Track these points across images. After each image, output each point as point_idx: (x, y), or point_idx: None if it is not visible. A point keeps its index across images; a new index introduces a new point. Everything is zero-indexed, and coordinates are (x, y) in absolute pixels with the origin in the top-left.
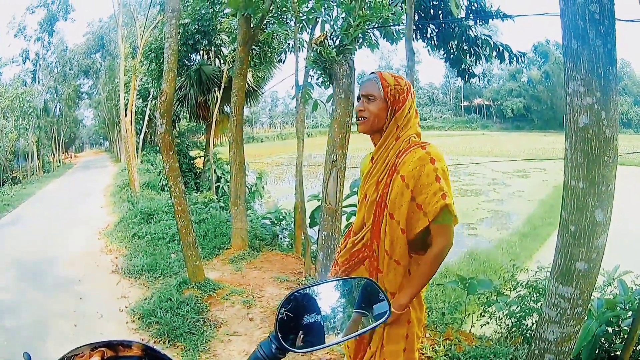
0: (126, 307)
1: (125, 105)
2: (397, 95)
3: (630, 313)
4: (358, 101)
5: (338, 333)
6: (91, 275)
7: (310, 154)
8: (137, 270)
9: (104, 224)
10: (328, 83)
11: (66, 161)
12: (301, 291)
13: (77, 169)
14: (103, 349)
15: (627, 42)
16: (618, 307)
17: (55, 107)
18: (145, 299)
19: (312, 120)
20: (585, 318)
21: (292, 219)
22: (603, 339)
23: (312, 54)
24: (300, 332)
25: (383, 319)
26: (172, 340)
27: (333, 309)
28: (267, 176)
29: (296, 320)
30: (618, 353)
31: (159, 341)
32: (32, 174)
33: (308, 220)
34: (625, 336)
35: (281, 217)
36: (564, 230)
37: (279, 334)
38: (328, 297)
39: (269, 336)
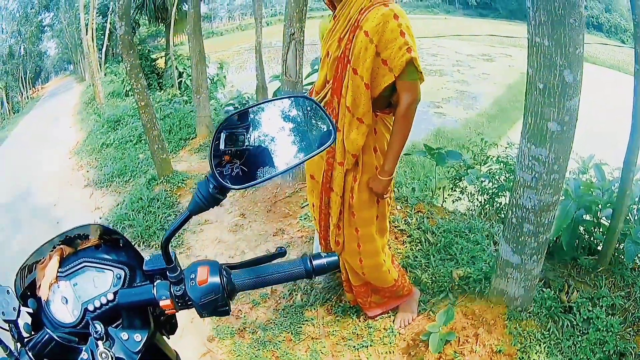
0: (100, 218)
1: (86, 25)
2: None
3: (609, 204)
4: None
5: (280, 164)
6: (65, 197)
7: (270, 42)
8: (108, 179)
9: (73, 142)
10: None
11: (34, 96)
12: (236, 115)
13: (45, 99)
14: (62, 246)
15: None
16: (594, 193)
17: (20, 48)
18: (118, 205)
19: (271, 10)
20: (563, 192)
21: (255, 102)
22: (582, 228)
23: None
24: (239, 166)
25: (329, 142)
26: (147, 240)
27: (272, 135)
28: (228, 66)
29: (234, 153)
30: (600, 247)
31: (134, 243)
32: (3, 119)
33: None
34: (605, 230)
35: (244, 101)
36: (531, 88)
37: (216, 170)
38: (268, 122)
39: (205, 176)
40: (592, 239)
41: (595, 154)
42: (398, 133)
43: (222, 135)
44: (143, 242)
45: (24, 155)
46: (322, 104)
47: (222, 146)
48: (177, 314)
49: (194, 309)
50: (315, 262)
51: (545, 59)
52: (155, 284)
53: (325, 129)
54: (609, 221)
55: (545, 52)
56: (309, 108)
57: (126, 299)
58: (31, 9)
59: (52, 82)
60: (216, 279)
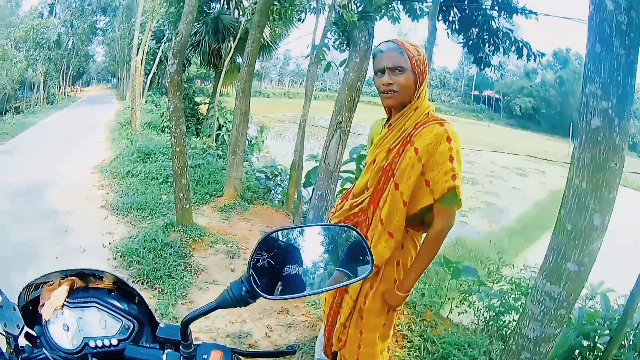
0: (110, 244)
1: (138, 44)
2: (422, 66)
3: (607, 331)
4: (379, 74)
5: (315, 285)
6: (80, 208)
7: (314, 116)
8: (126, 208)
9: (100, 158)
10: (344, 47)
11: (71, 94)
12: (281, 232)
13: (81, 102)
14: (73, 278)
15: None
16: (597, 322)
17: (68, 41)
18: (130, 237)
19: (321, 84)
20: (566, 322)
21: (287, 176)
22: (577, 351)
23: (333, 16)
24: (275, 278)
25: (365, 273)
26: (151, 282)
27: (312, 258)
28: (268, 131)
29: (272, 264)
30: None
31: (138, 281)
32: (36, 105)
33: (303, 180)
34: (600, 354)
35: (277, 172)
36: (560, 228)
37: (252, 277)
38: (309, 244)
39: (240, 278)
40: None
41: (608, 276)
42: (425, 254)
43: (265, 246)
44: (147, 282)
45: (47, 151)
46: (357, 209)
47: (262, 255)
48: None
49: None
50: None
51: (580, 201)
52: (165, 352)
53: (364, 261)
54: (605, 346)
55: (581, 194)
56: (353, 238)
57: (134, 354)
58: (88, 5)
59: (92, 88)
60: None
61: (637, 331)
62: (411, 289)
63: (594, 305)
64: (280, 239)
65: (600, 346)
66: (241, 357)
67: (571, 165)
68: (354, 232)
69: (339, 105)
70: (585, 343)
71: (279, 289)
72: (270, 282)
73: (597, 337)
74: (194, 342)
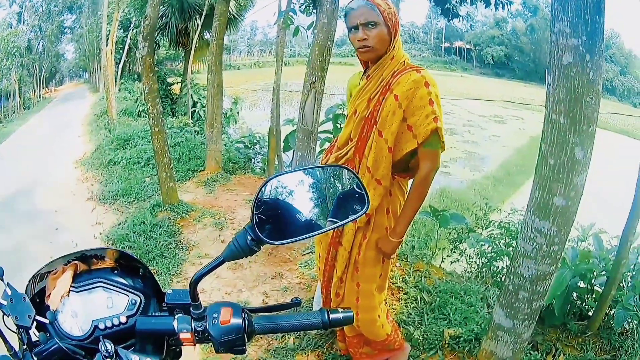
0: (100, 234)
1: (107, 36)
2: (393, 18)
3: (604, 272)
4: (353, 30)
5: (315, 226)
6: (67, 205)
7: (287, 82)
8: (112, 196)
9: (80, 152)
10: (311, 10)
11: (46, 96)
12: (279, 177)
13: (57, 102)
14: (76, 262)
15: (618, 14)
16: (591, 262)
17: (38, 45)
18: (119, 224)
19: (290, 50)
20: (560, 261)
21: (266, 144)
22: (575, 294)
23: None
24: (277, 224)
25: (361, 212)
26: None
27: (309, 200)
28: (242, 102)
29: (272, 211)
30: (590, 313)
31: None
32: (13, 112)
33: (282, 145)
34: (599, 296)
35: (255, 141)
36: (542, 163)
37: (255, 224)
38: (306, 187)
39: (244, 227)
40: (583, 304)
41: (598, 219)
42: (414, 198)
43: (265, 193)
44: None
45: (29, 155)
46: (342, 161)
47: (263, 202)
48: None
49: (211, 344)
50: (332, 316)
51: (559, 136)
52: (176, 317)
53: (359, 199)
54: (602, 288)
55: (560, 129)
56: (349, 179)
57: (145, 326)
58: (54, 7)
59: (65, 85)
60: (238, 321)
61: (634, 272)
62: (404, 235)
63: (587, 247)
64: (278, 185)
65: (598, 288)
66: (250, 313)
67: (547, 101)
68: (347, 171)
69: (311, 66)
70: (582, 284)
71: (281, 235)
72: (273, 229)
73: (593, 278)
74: (203, 305)
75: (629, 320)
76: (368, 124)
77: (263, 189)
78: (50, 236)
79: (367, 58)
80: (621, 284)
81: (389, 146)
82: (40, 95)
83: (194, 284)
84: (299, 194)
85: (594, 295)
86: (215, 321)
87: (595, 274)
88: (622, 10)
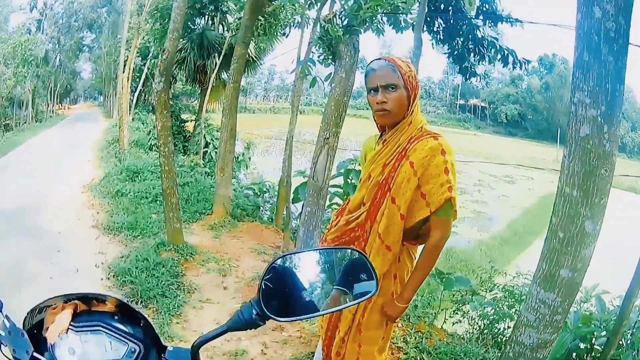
0: (102, 264)
1: (125, 61)
2: (414, 81)
3: (604, 333)
4: (372, 92)
5: (322, 305)
6: (71, 229)
7: (300, 131)
8: (117, 227)
9: (89, 177)
10: (330, 61)
11: (59, 112)
12: (289, 256)
13: (69, 120)
14: (76, 301)
15: (631, 69)
16: (593, 324)
17: (56, 58)
18: (122, 257)
19: (306, 98)
20: (562, 327)
21: (276, 193)
22: (575, 354)
23: (318, 30)
24: (283, 301)
25: (371, 293)
26: (145, 302)
27: (317, 280)
28: (255, 147)
29: (279, 286)
30: None
31: (132, 301)
32: (25, 122)
33: (291, 196)
34: (598, 355)
35: (265, 189)
36: (552, 236)
37: (261, 300)
38: (314, 267)
39: (250, 301)
40: None
41: (602, 277)
42: (423, 266)
43: (273, 269)
44: (141, 302)
45: (38, 170)
46: (353, 224)
47: (271, 279)
48: None
49: None
50: None
51: (571, 209)
52: None
53: (367, 277)
54: (602, 347)
55: (572, 202)
56: (357, 260)
57: None
58: (75, 21)
59: (80, 105)
60: None
61: (634, 330)
62: (410, 300)
63: (588, 308)
64: (288, 263)
65: (598, 347)
66: None
67: (561, 175)
68: (357, 253)
69: (326, 121)
70: (582, 345)
71: (287, 311)
72: (279, 305)
73: (594, 339)
74: None
75: None
76: (382, 189)
77: (272, 265)
78: (51, 257)
79: (384, 123)
80: (621, 342)
81: (402, 213)
82: (53, 110)
83: (197, 348)
84: (308, 272)
85: (593, 354)
86: None
87: (595, 335)
88: (634, 65)
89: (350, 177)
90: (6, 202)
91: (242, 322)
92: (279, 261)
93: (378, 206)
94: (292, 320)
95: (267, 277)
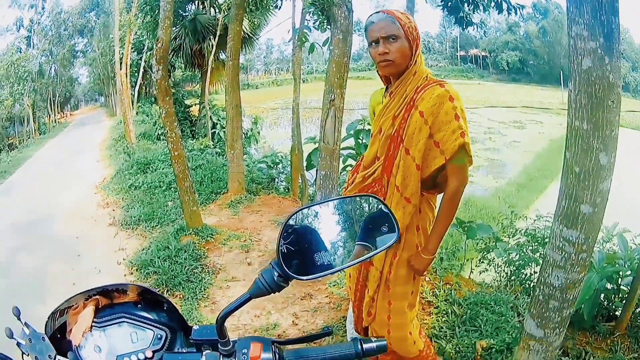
0: (124, 260)
1: (120, 59)
2: (414, 32)
3: (629, 272)
4: (373, 45)
5: (343, 259)
6: (88, 231)
7: (306, 99)
8: (134, 221)
9: (100, 178)
10: (325, 26)
11: (62, 120)
12: (303, 211)
13: (73, 126)
14: (97, 297)
15: (626, 9)
16: (617, 264)
17: (50, 69)
18: (143, 249)
19: (307, 67)
20: (589, 267)
21: (289, 162)
22: (602, 295)
23: None
24: (303, 258)
25: (392, 241)
26: (171, 290)
27: (337, 232)
28: (262, 121)
29: (298, 244)
30: (618, 313)
31: (159, 290)
32: (29, 138)
33: (304, 163)
34: (625, 295)
35: (277, 160)
36: (568, 171)
37: (281, 260)
38: (332, 219)
39: (270, 263)
40: (611, 305)
41: (620, 217)
42: (444, 214)
43: (290, 227)
44: (167, 291)
45: (48, 180)
46: (370, 180)
47: (288, 237)
48: None
49: None
50: (365, 346)
51: (583, 142)
52: (204, 353)
53: (389, 229)
54: (629, 287)
55: (584, 135)
56: (376, 207)
57: None
58: (64, 30)
59: (81, 110)
60: (269, 356)
61: None
62: (436, 251)
63: (611, 248)
64: (304, 218)
65: (624, 288)
66: (280, 347)
67: (569, 109)
68: (375, 200)
69: (329, 83)
70: (609, 286)
71: (309, 269)
72: (299, 263)
73: (619, 279)
74: (231, 339)
75: None
76: (394, 142)
77: (289, 223)
78: (72, 263)
79: (388, 72)
80: None
81: (417, 164)
82: (55, 120)
83: (221, 320)
84: (327, 225)
85: (620, 295)
86: (245, 357)
87: (621, 274)
88: (630, 5)
89: (361, 137)
90: (21, 217)
91: (264, 287)
92: (294, 218)
93: (392, 159)
94: (315, 278)
95: (284, 235)
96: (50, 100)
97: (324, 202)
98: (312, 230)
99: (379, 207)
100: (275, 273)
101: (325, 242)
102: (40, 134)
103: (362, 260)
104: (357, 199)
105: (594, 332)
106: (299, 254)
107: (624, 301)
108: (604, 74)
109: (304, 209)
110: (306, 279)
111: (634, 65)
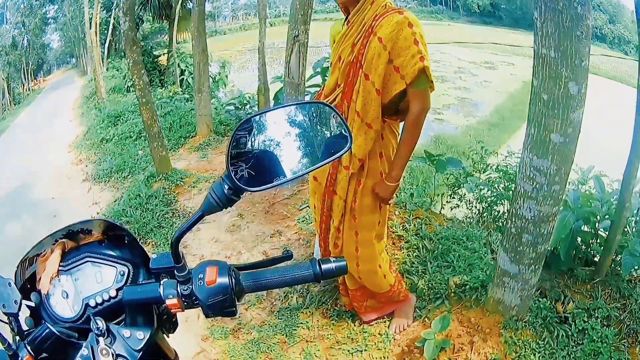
0: (97, 213)
1: (90, 19)
2: None
3: (607, 216)
4: None
5: (296, 169)
6: (63, 190)
7: (273, 42)
8: (106, 174)
9: (73, 136)
10: None
11: (35, 87)
12: (256, 117)
13: (46, 91)
14: (64, 240)
15: None
16: (594, 205)
17: (23, 40)
18: (115, 201)
19: (275, 10)
20: (562, 201)
21: (256, 103)
22: (580, 239)
23: None
24: (255, 169)
25: (343, 149)
26: (143, 238)
27: (290, 140)
28: (230, 65)
29: (249, 155)
30: (596, 259)
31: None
32: (4, 110)
33: (272, 103)
34: (604, 241)
35: (245, 101)
36: (536, 99)
37: (232, 172)
38: (284, 127)
39: (221, 177)
40: (589, 250)
41: (595, 165)
42: (407, 140)
43: (239, 137)
44: (140, 239)
45: (24, 147)
46: None
47: (238, 148)
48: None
49: (199, 308)
50: (324, 267)
51: (551, 70)
52: (162, 282)
53: (341, 136)
54: (607, 233)
55: (551, 63)
56: (327, 115)
57: (131, 296)
58: (35, 0)
59: (54, 74)
60: (225, 280)
61: (638, 217)
62: (400, 178)
63: (588, 190)
64: (255, 127)
65: (602, 233)
66: (238, 270)
67: (535, 36)
68: (327, 108)
69: (293, 20)
70: (585, 229)
71: (261, 180)
72: (250, 175)
73: (597, 222)
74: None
75: (637, 268)
76: (354, 68)
77: (238, 133)
78: (49, 224)
79: (345, 1)
80: (626, 229)
81: (377, 89)
82: (29, 88)
83: (175, 243)
84: (278, 134)
85: (598, 240)
86: (201, 282)
87: (598, 217)
88: None
89: (327, 75)
90: (2, 187)
91: (215, 202)
92: (244, 127)
93: (352, 85)
94: (266, 188)
95: (234, 145)
96: (24, 69)
97: (274, 109)
98: (263, 140)
99: (331, 115)
100: (226, 186)
101: (276, 152)
102: (15, 104)
103: (312, 169)
104: (309, 106)
105: (572, 275)
106: (250, 165)
107: (602, 247)
108: (571, 4)
109: (254, 116)
110: (256, 190)
111: (611, 18)
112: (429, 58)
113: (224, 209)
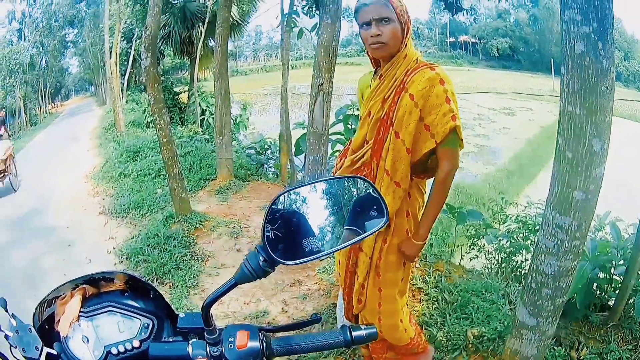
0: (114, 249)
1: (110, 48)
2: (406, 15)
3: (622, 261)
4: (365, 26)
5: (331, 242)
6: (79, 220)
7: (295, 85)
8: (124, 209)
9: (90, 166)
10: (314, 11)
11: (53, 111)
12: (289, 193)
13: (64, 116)
14: (85, 286)
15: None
16: (610, 253)
17: (41, 60)
18: (133, 238)
19: (296, 53)
20: (581, 255)
21: (277, 148)
22: (595, 285)
23: None
24: (290, 242)
25: (380, 225)
26: (161, 278)
27: (324, 215)
28: (251, 108)
29: (284, 228)
30: (611, 303)
31: (147, 279)
32: (20, 129)
33: (293, 149)
34: (618, 285)
35: (266, 146)
36: (560, 157)
37: (267, 245)
38: (319, 201)
39: (255, 247)
40: (604, 295)
41: (612, 206)
42: (435, 199)
43: (275, 209)
44: (157, 279)
45: (38, 171)
46: (359, 164)
47: (274, 220)
48: None
49: None
50: (354, 334)
51: (576, 127)
52: (190, 342)
53: (377, 212)
54: (622, 277)
55: (576, 120)
56: (364, 189)
57: (159, 352)
58: (55, 21)
59: (72, 100)
60: (256, 344)
61: None
62: (427, 237)
63: (604, 237)
64: (290, 201)
65: (617, 278)
66: (268, 334)
67: (561, 93)
68: (363, 182)
69: (318, 68)
70: (601, 275)
71: (295, 253)
72: (285, 247)
73: (612, 268)
74: (217, 327)
75: None
76: (384, 125)
77: (274, 205)
78: (63, 253)
79: (379, 55)
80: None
81: (407, 147)
82: (46, 111)
83: (207, 308)
84: (314, 208)
85: (613, 285)
86: (231, 346)
87: (614, 263)
88: None
89: (350, 123)
90: (15, 210)
91: (249, 273)
92: (280, 200)
93: (382, 142)
94: (302, 262)
95: (270, 219)
96: (41, 91)
97: (310, 184)
98: (298, 213)
99: (368, 189)
100: (261, 258)
101: (312, 226)
102: (31, 125)
103: (349, 244)
104: (345, 180)
105: (587, 322)
106: (284, 237)
107: (617, 291)
108: (597, 59)
109: (289, 190)
110: (292, 264)
111: (626, 54)
112: (459, 116)
113: (257, 279)
